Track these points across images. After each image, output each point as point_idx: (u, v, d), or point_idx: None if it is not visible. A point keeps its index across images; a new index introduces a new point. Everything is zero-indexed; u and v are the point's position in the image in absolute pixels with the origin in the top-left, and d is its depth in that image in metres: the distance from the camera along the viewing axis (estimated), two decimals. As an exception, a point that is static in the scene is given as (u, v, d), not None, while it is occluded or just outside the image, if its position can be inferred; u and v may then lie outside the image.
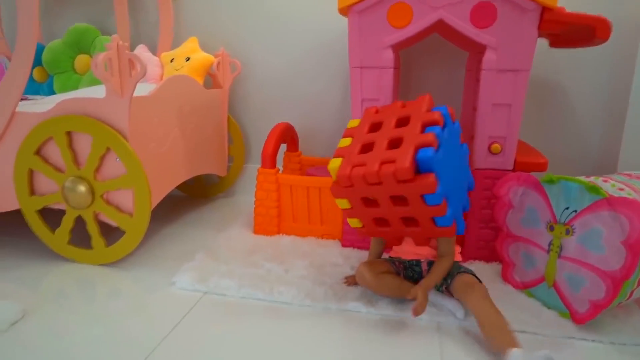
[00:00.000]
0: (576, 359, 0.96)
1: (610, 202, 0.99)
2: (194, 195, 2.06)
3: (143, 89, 1.40)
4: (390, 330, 1.04)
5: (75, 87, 1.96)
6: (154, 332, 1.02)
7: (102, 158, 1.27)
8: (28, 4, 1.19)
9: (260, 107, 2.00)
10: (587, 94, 1.70)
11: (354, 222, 1.08)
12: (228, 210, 1.90)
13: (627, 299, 1.03)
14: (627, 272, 0.96)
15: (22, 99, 1.78)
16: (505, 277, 1.25)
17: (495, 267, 1.33)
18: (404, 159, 0.90)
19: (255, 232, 1.58)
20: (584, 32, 1.24)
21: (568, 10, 1.20)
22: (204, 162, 1.77)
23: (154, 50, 1.96)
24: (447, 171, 0.96)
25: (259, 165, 1.58)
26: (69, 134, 1.27)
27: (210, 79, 1.86)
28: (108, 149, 1.25)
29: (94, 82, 1.92)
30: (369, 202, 1.01)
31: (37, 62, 2.05)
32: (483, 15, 1.23)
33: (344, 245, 1.48)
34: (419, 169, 0.92)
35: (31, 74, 2.06)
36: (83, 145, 1.28)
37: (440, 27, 1.33)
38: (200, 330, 1.04)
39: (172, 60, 1.83)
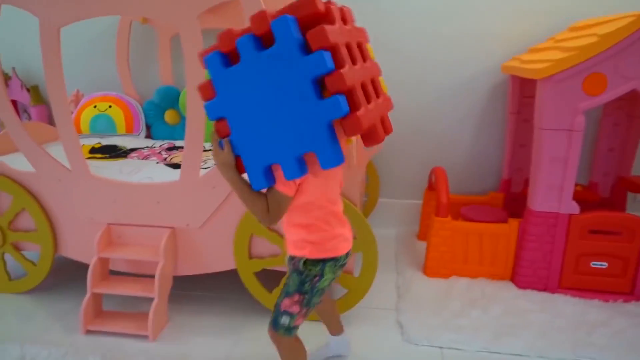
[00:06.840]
0: None
1: None
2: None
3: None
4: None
5: (215, 131, 2.00)
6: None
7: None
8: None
9: (390, 147, 2.09)
10: None
11: None
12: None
13: None
14: None
15: (170, 148, 1.85)
16: None
17: None
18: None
19: (427, 274, 1.70)
20: None
21: None
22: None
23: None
24: (240, 93, 0.85)
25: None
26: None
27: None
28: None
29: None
30: None
31: (170, 104, 2.08)
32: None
33: (520, 287, 1.62)
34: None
35: (163, 117, 2.10)
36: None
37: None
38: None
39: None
